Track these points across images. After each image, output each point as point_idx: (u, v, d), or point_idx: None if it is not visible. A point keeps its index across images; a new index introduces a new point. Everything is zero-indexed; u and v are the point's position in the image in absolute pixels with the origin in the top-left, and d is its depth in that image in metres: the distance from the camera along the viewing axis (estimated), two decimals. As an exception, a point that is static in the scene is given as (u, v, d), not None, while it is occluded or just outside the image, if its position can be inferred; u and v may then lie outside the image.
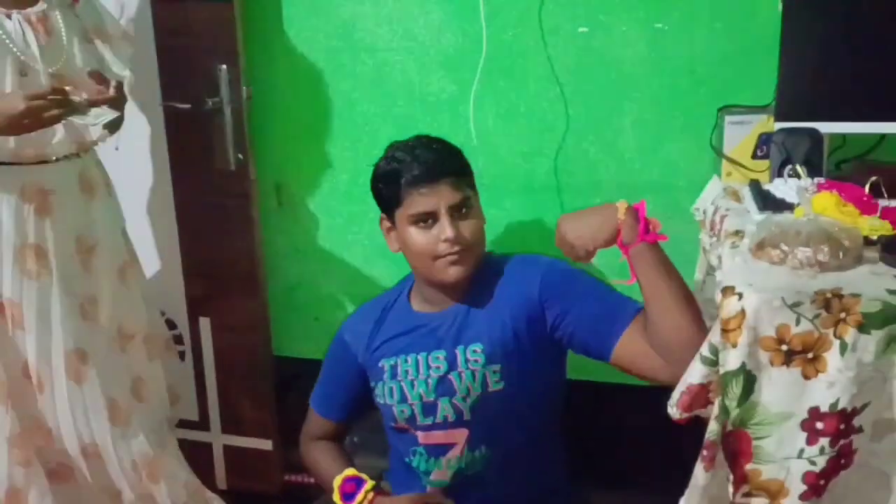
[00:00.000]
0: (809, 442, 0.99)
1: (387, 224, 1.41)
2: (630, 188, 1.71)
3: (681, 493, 1.12)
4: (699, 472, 1.07)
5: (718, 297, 1.02)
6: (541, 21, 1.65)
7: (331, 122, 1.84)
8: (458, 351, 1.39)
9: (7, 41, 1.31)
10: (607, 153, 1.72)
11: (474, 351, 1.38)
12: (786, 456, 1.00)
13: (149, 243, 1.99)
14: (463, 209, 1.34)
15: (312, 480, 1.68)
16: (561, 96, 1.69)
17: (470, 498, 1.44)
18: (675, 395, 1.12)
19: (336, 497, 1.43)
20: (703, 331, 1.13)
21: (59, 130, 1.38)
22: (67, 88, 1.29)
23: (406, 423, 1.44)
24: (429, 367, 1.40)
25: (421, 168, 1.32)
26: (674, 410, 1.13)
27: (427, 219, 1.33)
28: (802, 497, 1.01)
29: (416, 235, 1.33)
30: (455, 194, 1.33)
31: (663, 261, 1.21)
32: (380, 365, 1.45)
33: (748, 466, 1.03)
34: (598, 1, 1.63)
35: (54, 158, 1.40)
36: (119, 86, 1.39)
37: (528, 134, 1.75)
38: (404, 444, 1.47)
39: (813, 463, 0.99)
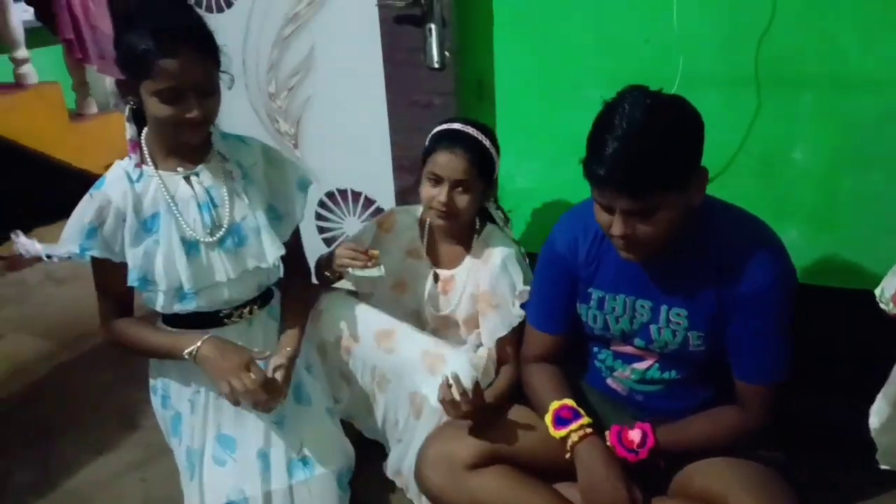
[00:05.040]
0: None
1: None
2: (843, 84, 1.61)
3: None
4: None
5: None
6: None
7: (528, 21, 1.85)
8: (663, 308, 1.39)
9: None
10: (820, 44, 1.61)
11: (678, 314, 1.38)
12: None
13: (362, 138, 2.14)
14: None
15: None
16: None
17: (650, 398, 1.49)
18: (888, 290, 1.12)
19: (549, 418, 1.40)
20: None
21: None
22: None
23: (603, 339, 1.49)
24: (634, 311, 1.41)
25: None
26: (889, 306, 1.14)
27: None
28: None
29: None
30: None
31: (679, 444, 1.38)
32: (589, 291, 1.46)
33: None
34: None
35: None
36: None
37: (731, 24, 1.66)
38: (595, 343, 1.52)
39: None
